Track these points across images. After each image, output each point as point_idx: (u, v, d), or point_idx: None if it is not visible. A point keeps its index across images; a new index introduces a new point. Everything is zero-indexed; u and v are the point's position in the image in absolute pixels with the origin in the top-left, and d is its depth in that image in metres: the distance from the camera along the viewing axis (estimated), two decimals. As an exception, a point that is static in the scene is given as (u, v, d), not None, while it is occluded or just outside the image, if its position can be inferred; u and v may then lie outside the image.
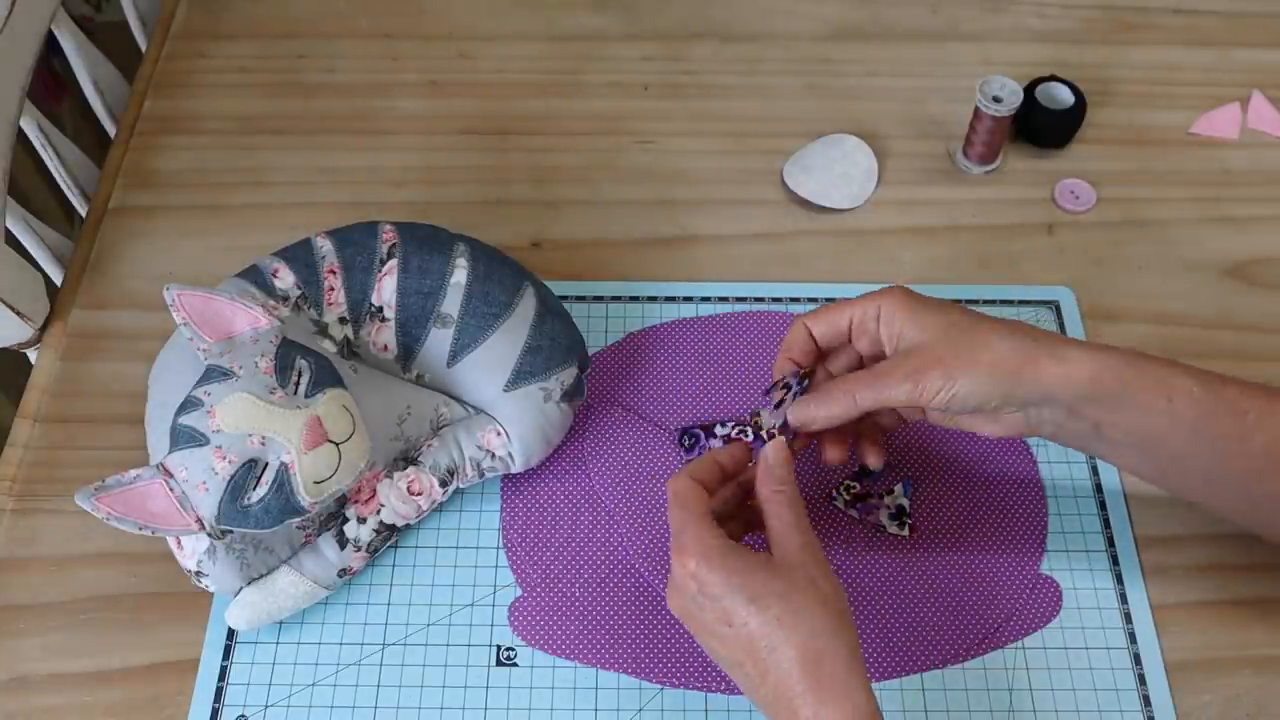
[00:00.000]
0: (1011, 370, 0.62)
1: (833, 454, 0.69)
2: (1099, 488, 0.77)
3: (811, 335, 0.68)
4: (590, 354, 0.79)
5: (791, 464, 0.64)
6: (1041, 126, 0.93)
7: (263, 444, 0.63)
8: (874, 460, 0.70)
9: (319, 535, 0.71)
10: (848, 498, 0.76)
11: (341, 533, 0.70)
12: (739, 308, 0.85)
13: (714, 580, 0.59)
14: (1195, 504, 0.71)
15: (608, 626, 0.72)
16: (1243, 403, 0.62)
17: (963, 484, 0.77)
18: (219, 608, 0.72)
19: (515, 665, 0.71)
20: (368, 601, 0.73)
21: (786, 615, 0.58)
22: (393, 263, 0.72)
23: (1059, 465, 0.78)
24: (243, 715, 0.69)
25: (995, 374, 0.62)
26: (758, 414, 0.69)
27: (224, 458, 0.63)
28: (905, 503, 0.76)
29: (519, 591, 0.73)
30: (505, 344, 0.73)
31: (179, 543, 0.69)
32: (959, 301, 0.85)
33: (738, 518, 0.67)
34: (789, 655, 0.57)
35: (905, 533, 0.75)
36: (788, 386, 0.68)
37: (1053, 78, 0.95)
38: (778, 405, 0.68)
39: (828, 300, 0.85)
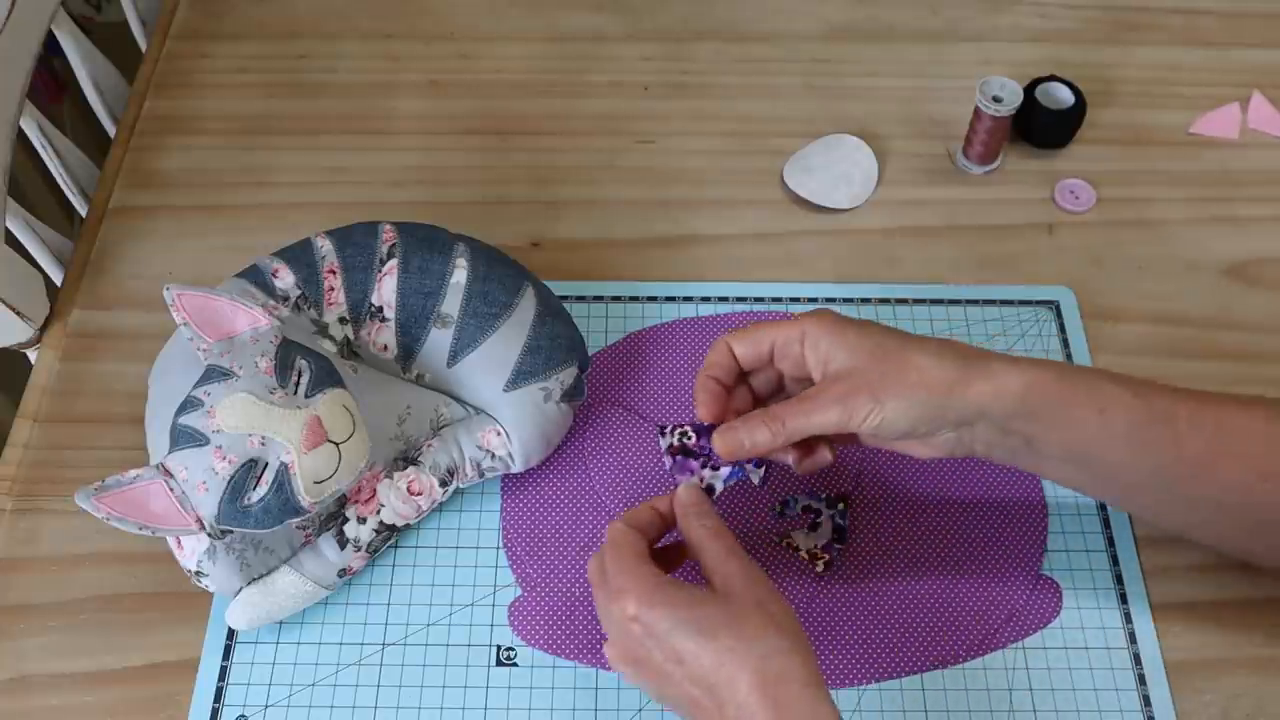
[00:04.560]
0: (941, 392, 0.61)
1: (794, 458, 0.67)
2: (1099, 488, 0.77)
3: (733, 354, 0.66)
4: (590, 354, 0.79)
5: (706, 499, 0.64)
6: (1041, 126, 0.93)
7: (263, 444, 0.63)
8: (826, 455, 0.67)
9: (319, 535, 0.70)
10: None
11: (341, 533, 0.70)
12: (739, 308, 0.85)
13: (658, 618, 0.57)
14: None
15: (608, 626, 0.72)
16: (1174, 409, 0.62)
17: (963, 484, 0.77)
18: (219, 608, 0.72)
19: (515, 665, 0.71)
20: (368, 601, 0.73)
21: (738, 643, 0.56)
22: (393, 263, 0.72)
23: (1059, 465, 0.78)
24: (243, 715, 0.69)
25: (924, 397, 0.61)
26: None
27: (224, 458, 0.63)
28: (842, 524, 0.75)
29: (519, 591, 0.73)
30: (505, 344, 0.72)
31: (179, 543, 0.69)
32: (958, 302, 0.85)
33: (672, 558, 0.65)
34: (746, 681, 0.55)
35: (819, 568, 0.73)
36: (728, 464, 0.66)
37: (1053, 78, 0.95)
38: (716, 467, 0.66)
39: (827, 300, 0.85)
